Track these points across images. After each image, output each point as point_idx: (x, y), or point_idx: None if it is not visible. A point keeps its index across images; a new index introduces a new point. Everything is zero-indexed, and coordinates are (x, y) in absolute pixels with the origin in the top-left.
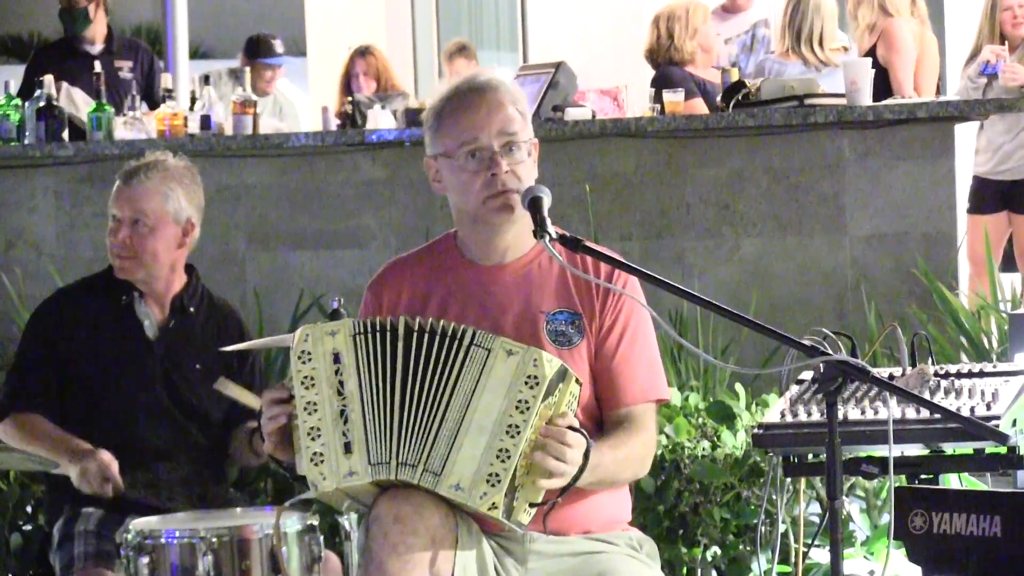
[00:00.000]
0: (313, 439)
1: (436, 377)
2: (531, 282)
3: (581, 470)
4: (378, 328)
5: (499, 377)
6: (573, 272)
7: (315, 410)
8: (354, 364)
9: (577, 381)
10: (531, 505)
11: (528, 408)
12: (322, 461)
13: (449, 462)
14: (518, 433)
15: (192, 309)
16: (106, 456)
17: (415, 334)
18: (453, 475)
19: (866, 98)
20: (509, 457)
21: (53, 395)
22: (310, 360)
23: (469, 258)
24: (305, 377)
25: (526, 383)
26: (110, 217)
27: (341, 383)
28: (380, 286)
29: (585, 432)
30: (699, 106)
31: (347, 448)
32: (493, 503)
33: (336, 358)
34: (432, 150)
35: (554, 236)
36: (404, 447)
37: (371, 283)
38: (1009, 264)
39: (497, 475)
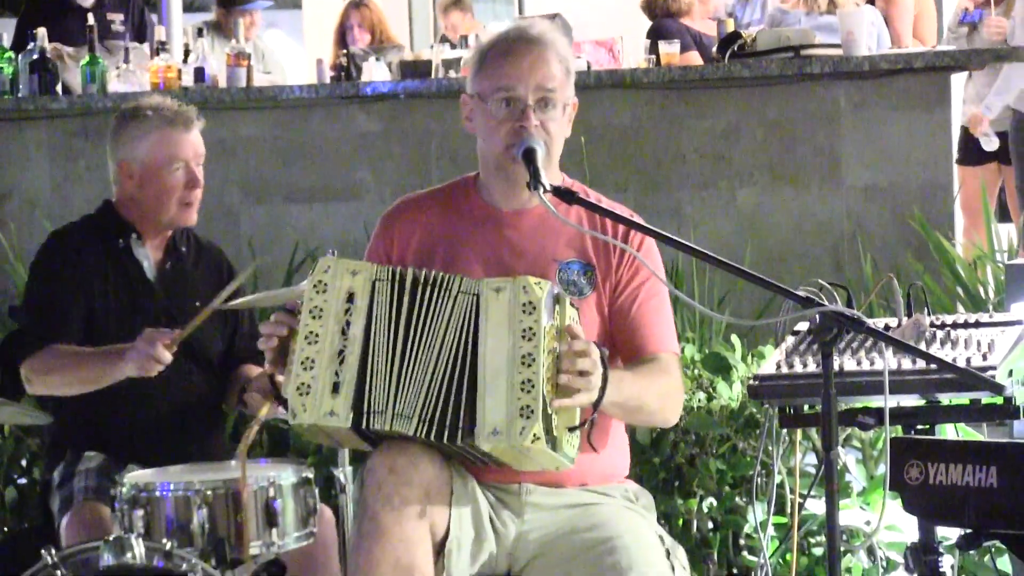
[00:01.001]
0: (305, 369)
1: (431, 328)
2: (548, 229)
3: (604, 380)
4: (397, 279)
5: (497, 316)
6: (569, 225)
7: (315, 341)
8: (366, 309)
9: (572, 304)
10: (570, 429)
11: (534, 334)
12: (307, 393)
13: (478, 413)
14: (533, 361)
15: (183, 249)
16: (145, 333)
17: (420, 285)
18: (487, 424)
19: (862, 49)
20: (533, 386)
21: (75, 328)
22: (324, 292)
23: (488, 201)
24: (315, 307)
25: (523, 311)
26: (177, 165)
27: (348, 323)
28: (395, 219)
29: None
30: (694, 59)
31: (335, 388)
32: (534, 434)
33: (350, 297)
34: (470, 88)
35: (548, 187)
36: (402, 397)
37: (385, 215)
38: (1001, 215)
39: (528, 406)
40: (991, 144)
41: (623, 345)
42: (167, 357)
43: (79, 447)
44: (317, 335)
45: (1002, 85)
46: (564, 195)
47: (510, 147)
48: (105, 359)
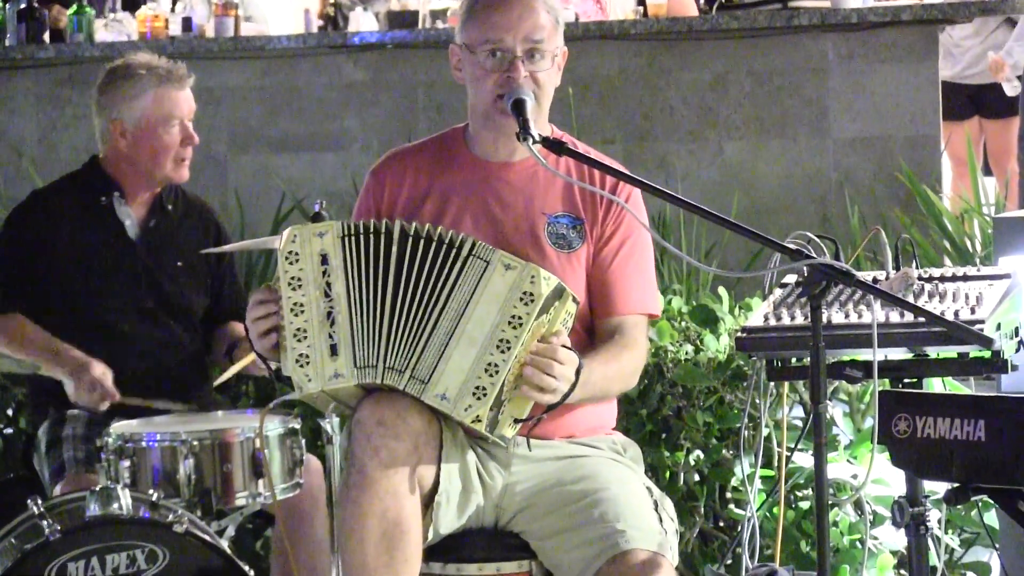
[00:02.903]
0: (299, 340)
1: (431, 284)
2: (537, 183)
3: (572, 387)
4: (370, 231)
5: (494, 290)
6: (558, 176)
7: (301, 311)
8: (342, 266)
9: (574, 300)
10: (516, 421)
11: (521, 324)
12: (307, 363)
13: (437, 371)
14: (508, 349)
15: (170, 207)
16: (99, 369)
17: (411, 239)
18: (440, 384)
19: (850, 0)
20: (497, 372)
21: (34, 298)
22: (297, 260)
23: (477, 153)
24: (292, 278)
25: (521, 299)
26: (173, 123)
27: (328, 285)
28: (383, 173)
29: (576, 352)
30: (689, 3)
31: (333, 350)
32: (477, 416)
33: (324, 259)
34: (458, 39)
35: (537, 139)
36: (392, 351)
37: (374, 168)
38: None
39: (484, 388)
40: (1014, 89)
41: (595, 299)
42: (102, 409)
43: (63, 404)
44: (302, 304)
45: (1021, 31)
46: (553, 146)
47: (499, 98)
48: (49, 362)
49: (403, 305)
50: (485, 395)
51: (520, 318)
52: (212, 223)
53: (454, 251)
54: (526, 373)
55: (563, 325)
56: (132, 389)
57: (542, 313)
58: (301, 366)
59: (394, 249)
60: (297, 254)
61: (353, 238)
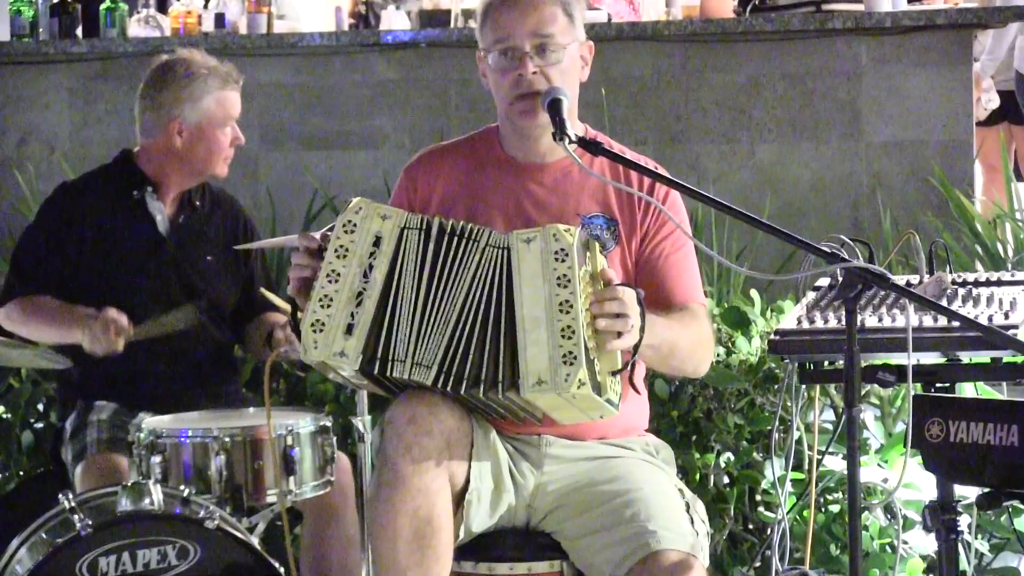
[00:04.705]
0: (323, 306)
1: (453, 279)
2: (570, 184)
3: (643, 320)
4: (424, 226)
5: (530, 266)
6: (598, 178)
7: (336, 280)
8: (390, 255)
9: (600, 250)
10: (612, 374)
11: (569, 281)
12: (321, 330)
13: (520, 365)
14: (571, 307)
15: (198, 202)
16: (111, 311)
17: (448, 235)
18: (531, 375)
19: (884, 4)
20: (574, 332)
21: (63, 290)
22: (353, 232)
23: (511, 154)
24: (341, 246)
25: (556, 258)
26: (229, 124)
27: (371, 267)
28: (416, 171)
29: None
30: (725, 2)
31: (348, 329)
32: (579, 380)
33: (377, 242)
34: (480, 44)
35: (573, 139)
36: (421, 347)
37: (408, 166)
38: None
39: (571, 352)
40: (992, 102)
41: (652, 297)
42: (118, 347)
43: (91, 396)
44: (339, 274)
45: (993, 44)
46: (589, 146)
47: (516, 100)
48: (64, 323)
49: (434, 300)
50: (575, 358)
51: (566, 275)
52: (240, 217)
53: (474, 243)
54: (600, 325)
55: (605, 265)
56: (162, 382)
57: (581, 264)
58: (314, 330)
59: (431, 246)
60: (355, 225)
61: (412, 232)
